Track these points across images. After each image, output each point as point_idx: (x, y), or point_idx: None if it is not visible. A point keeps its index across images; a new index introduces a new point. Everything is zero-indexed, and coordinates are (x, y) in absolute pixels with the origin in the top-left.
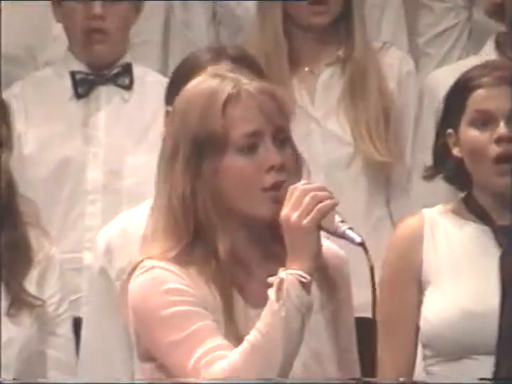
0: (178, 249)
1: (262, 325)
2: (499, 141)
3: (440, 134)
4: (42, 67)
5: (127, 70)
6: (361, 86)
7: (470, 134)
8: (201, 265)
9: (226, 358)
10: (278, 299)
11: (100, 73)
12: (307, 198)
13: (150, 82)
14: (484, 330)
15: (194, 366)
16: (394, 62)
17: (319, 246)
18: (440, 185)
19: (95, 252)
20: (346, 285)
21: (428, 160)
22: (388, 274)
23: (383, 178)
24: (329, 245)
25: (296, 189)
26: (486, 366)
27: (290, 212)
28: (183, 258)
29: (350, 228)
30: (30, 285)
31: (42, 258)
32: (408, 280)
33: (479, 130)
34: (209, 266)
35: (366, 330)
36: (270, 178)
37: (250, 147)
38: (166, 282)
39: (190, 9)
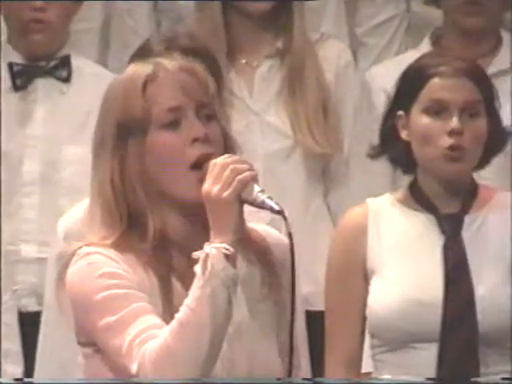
0: (115, 236)
1: (190, 301)
2: (451, 133)
3: (389, 116)
4: None
5: (65, 62)
6: (299, 79)
7: (422, 120)
8: (137, 250)
9: (158, 337)
10: (203, 274)
11: (38, 65)
12: (227, 172)
13: (89, 73)
14: (428, 319)
15: (127, 347)
16: (332, 53)
17: (242, 218)
18: (376, 176)
19: (55, 238)
20: (289, 273)
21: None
22: (333, 265)
23: (321, 170)
24: (271, 231)
25: (216, 164)
26: (430, 353)
27: (210, 186)
28: (120, 245)
29: (270, 197)
30: None
31: None
32: (353, 270)
33: (432, 118)
34: (144, 251)
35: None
36: (194, 151)
37: (173, 123)
38: (101, 267)
39: None
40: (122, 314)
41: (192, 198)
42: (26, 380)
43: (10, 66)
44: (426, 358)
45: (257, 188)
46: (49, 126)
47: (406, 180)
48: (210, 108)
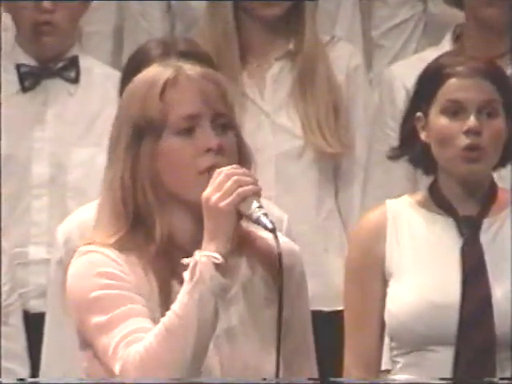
0: (119, 235)
1: (177, 306)
2: (468, 133)
3: (408, 117)
4: None
5: (73, 62)
6: (310, 80)
7: (440, 121)
8: (140, 251)
9: (143, 340)
10: (191, 280)
11: (46, 66)
12: (230, 182)
13: (97, 74)
14: (446, 321)
15: (113, 349)
16: (343, 55)
17: (235, 229)
18: (396, 176)
19: (55, 243)
20: (299, 281)
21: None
22: (351, 268)
23: (332, 170)
24: (281, 239)
25: (221, 172)
26: (448, 356)
27: (210, 193)
28: (124, 245)
29: (265, 214)
30: None
31: None
32: (371, 273)
33: (449, 119)
34: (147, 253)
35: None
36: (206, 161)
37: (188, 130)
38: (99, 266)
39: None
40: (112, 314)
41: (199, 200)
42: (30, 380)
43: (18, 67)
44: (444, 360)
45: (255, 204)
46: (57, 128)
47: (426, 181)
48: (228, 117)
